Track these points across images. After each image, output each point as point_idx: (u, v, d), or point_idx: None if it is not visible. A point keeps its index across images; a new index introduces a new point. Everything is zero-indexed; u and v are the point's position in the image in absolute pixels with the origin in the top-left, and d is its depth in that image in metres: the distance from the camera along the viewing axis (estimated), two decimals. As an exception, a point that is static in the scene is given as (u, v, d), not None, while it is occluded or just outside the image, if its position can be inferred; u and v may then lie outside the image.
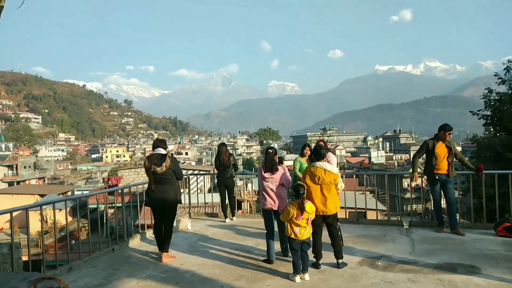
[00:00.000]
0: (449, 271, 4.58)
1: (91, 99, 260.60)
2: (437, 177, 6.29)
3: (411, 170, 6.63)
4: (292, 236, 4.51)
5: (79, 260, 5.35)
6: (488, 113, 11.38)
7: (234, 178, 8.22)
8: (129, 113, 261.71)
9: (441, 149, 6.31)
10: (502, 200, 6.81)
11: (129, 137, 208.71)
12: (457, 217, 6.73)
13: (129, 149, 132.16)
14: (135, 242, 6.47)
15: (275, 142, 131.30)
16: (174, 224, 7.24)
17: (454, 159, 6.41)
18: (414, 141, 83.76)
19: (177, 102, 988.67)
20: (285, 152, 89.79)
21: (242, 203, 22.65)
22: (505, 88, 11.64)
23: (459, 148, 7.59)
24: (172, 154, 5.57)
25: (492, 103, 11.19)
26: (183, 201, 9.31)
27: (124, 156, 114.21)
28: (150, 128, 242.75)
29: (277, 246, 5.26)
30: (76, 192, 40.45)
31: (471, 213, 7.56)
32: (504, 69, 11.67)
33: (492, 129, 11.54)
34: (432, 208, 6.70)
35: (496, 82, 11.82)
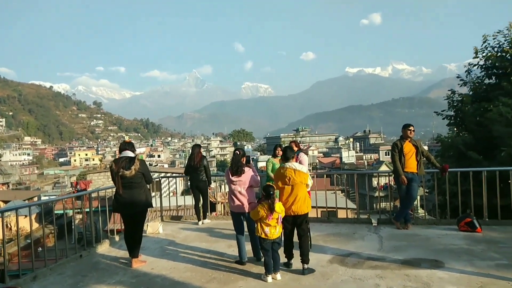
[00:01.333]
0: (415, 266, 4.75)
1: (59, 101, 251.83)
2: (403, 176, 6.51)
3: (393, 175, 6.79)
4: (263, 236, 4.52)
5: (44, 268, 5.16)
6: (452, 113, 11.88)
7: (206, 181, 8.13)
8: (99, 115, 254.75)
9: (408, 148, 6.56)
10: (465, 196, 7.11)
11: (99, 140, 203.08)
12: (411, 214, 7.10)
13: (99, 152, 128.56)
14: (104, 248, 6.31)
15: (249, 143, 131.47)
16: (145, 228, 7.12)
17: (422, 158, 6.67)
18: (383, 141, 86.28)
19: (149, 104, 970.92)
20: (259, 153, 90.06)
21: (216, 205, 22.52)
22: (467, 89, 12.19)
23: (426, 147, 7.93)
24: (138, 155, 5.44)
25: (455, 104, 11.70)
26: (154, 205, 9.17)
27: (93, 159, 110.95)
28: (120, 131, 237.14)
29: (248, 247, 5.27)
30: (42, 198, 38.91)
31: (436, 210, 7.87)
32: (466, 72, 12.23)
33: (455, 129, 12.06)
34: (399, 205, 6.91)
35: (459, 84, 12.36)
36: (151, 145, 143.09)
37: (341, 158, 57.51)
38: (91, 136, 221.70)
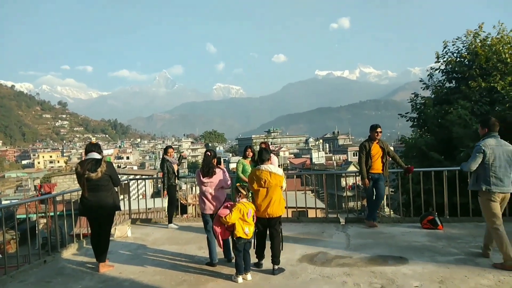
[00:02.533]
0: (381, 263, 4.93)
1: (21, 100, 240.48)
2: (370, 176, 6.73)
3: (360, 177, 6.93)
4: (243, 236, 4.51)
5: (5, 276, 4.94)
6: (415, 115, 12.39)
7: (175, 185, 8.06)
8: (64, 116, 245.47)
9: (375, 150, 6.78)
10: (427, 195, 7.44)
11: (64, 141, 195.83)
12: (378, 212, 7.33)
13: (64, 154, 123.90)
14: (69, 253, 6.11)
15: (221, 144, 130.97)
16: (113, 231, 6.96)
17: (388, 158, 6.91)
18: (351, 142, 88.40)
19: (117, 104, 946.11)
20: (231, 154, 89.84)
21: (187, 207, 22.27)
22: (429, 93, 12.74)
23: (391, 148, 8.28)
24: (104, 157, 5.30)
25: (418, 107, 12.21)
26: (122, 208, 8.96)
27: (58, 161, 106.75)
28: (87, 132, 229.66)
29: (219, 248, 5.27)
30: (4, 202, 37.04)
31: (400, 208, 8.18)
32: (428, 75, 12.79)
33: (418, 131, 12.58)
34: (367, 205, 7.13)
35: (421, 87, 12.91)
36: (120, 147, 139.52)
37: (311, 159, 58.47)
38: (56, 137, 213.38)
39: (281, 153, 68.36)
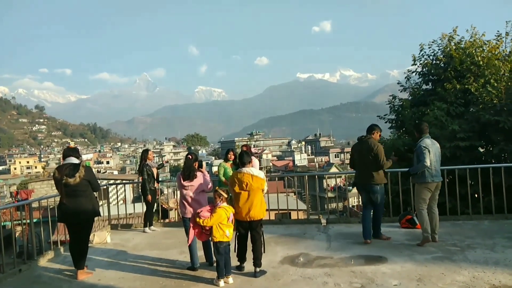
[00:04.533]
0: (361, 263, 5.01)
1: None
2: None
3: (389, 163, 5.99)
4: (224, 239, 4.50)
5: (-23, 286, 4.77)
6: (393, 117, 12.64)
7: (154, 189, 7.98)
8: (41, 120, 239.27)
9: None
10: (405, 195, 7.59)
11: (42, 146, 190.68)
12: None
13: (42, 160, 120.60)
14: (46, 260, 5.95)
15: (203, 148, 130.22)
16: (92, 238, 6.83)
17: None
18: (333, 144, 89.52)
19: (97, 108, 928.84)
20: (213, 157, 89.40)
21: (169, 212, 22.03)
22: (407, 95, 13.02)
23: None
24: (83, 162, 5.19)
25: (396, 108, 12.46)
26: (102, 213, 8.80)
27: (35, 167, 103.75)
28: (65, 136, 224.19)
29: (201, 252, 5.24)
30: (-24, 210, 35.66)
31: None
32: (405, 78, 13.08)
33: (397, 132, 12.83)
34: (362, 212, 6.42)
35: (399, 90, 13.19)
36: (99, 151, 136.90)
37: (293, 161, 58.85)
38: (33, 142, 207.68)
39: (264, 156, 68.50)
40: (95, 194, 5.32)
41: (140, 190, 8.04)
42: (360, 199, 7.02)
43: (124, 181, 25.62)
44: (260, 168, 6.30)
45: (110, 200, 9.80)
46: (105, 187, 8.74)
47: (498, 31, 11.61)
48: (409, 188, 7.33)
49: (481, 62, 11.02)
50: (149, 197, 7.65)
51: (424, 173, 5.69)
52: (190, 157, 5.25)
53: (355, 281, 4.40)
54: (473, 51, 11.24)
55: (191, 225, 4.61)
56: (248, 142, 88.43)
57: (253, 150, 7.64)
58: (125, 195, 19.80)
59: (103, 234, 7.01)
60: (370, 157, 5.85)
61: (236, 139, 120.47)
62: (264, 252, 4.87)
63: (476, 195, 8.24)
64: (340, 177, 26.49)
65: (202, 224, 4.47)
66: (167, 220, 14.41)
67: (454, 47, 11.68)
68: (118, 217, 9.15)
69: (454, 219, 7.05)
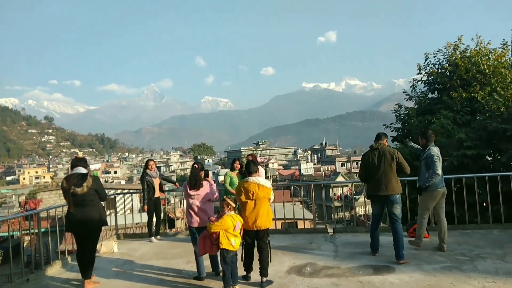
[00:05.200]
0: (368, 273, 4.96)
1: (6, 116, 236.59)
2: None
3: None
4: (230, 248, 4.48)
5: (-14, 296, 4.81)
6: (399, 126, 12.63)
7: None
8: (50, 131, 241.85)
9: None
10: (413, 204, 7.54)
11: (50, 157, 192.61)
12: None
13: (50, 170, 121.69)
14: (54, 270, 5.98)
15: (210, 157, 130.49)
16: (99, 247, 6.86)
17: None
18: (339, 153, 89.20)
19: (105, 118, 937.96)
20: (219, 167, 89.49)
21: (176, 221, 22.02)
22: (412, 103, 13.02)
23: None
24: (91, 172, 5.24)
25: (402, 117, 12.46)
26: (109, 223, 8.83)
27: (44, 177, 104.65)
28: (74, 146, 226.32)
29: (207, 262, 5.23)
30: (-15, 220, 35.93)
31: (387, 218, 8.24)
32: (411, 87, 13.10)
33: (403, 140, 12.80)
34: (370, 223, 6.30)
35: (405, 98, 13.20)
36: (107, 161, 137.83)
37: (300, 170, 58.66)
38: (42, 152, 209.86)
39: (270, 165, 68.47)
40: (103, 203, 5.35)
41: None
42: (366, 209, 6.98)
43: (131, 191, 25.72)
44: (266, 177, 6.31)
45: (117, 209, 9.85)
46: (112, 196, 8.80)
47: (504, 39, 11.64)
48: (416, 197, 7.28)
49: (487, 71, 11.01)
50: (146, 207, 7.68)
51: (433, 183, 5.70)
52: (197, 166, 5.27)
53: (362, 291, 4.36)
54: (479, 60, 11.25)
55: (203, 236, 4.59)
56: (254, 152, 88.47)
57: (259, 159, 7.64)
58: (132, 204, 19.86)
59: (110, 243, 7.04)
60: (391, 165, 5.44)
61: (242, 148, 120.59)
62: (270, 261, 4.85)
63: (484, 204, 8.15)
64: (347, 186, 26.36)
65: (209, 232, 4.47)
66: (173, 230, 14.40)
67: (459, 56, 11.70)
68: (125, 226, 9.18)
69: (462, 228, 6.97)
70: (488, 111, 9.96)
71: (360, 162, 5.96)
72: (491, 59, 11.32)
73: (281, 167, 78.18)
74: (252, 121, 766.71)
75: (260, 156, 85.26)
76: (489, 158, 10.23)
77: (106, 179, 72.17)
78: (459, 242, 6.10)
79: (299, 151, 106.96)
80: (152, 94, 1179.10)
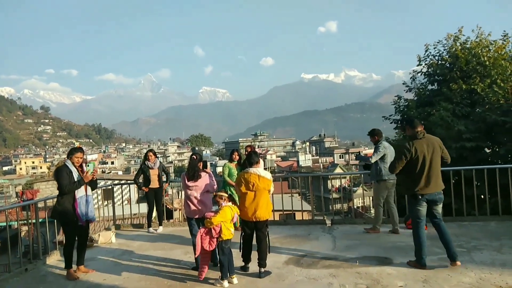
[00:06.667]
0: (366, 264, 4.97)
1: (2, 105, 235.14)
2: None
3: None
4: (230, 237, 4.51)
5: (-17, 285, 4.80)
6: (398, 117, 12.60)
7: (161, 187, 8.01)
8: (47, 121, 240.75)
9: None
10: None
11: (47, 147, 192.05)
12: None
13: (47, 160, 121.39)
14: (52, 260, 5.98)
15: (208, 148, 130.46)
16: (97, 237, 6.87)
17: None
18: (337, 145, 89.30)
19: (102, 108, 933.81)
20: (217, 158, 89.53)
21: (173, 212, 22.05)
22: (412, 95, 12.98)
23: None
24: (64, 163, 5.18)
25: (401, 109, 12.43)
26: (107, 213, 8.83)
27: (41, 167, 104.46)
28: (70, 137, 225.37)
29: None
30: (-18, 210, 35.90)
31: (385, 209, 8.27)
32: (411, 78, 13.04)
33: (402, 132, 12.78)
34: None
35: (405, 90, 13.15)
36: (104, 152, 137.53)
37: (298, 161, 58.79)
38: (39, 142, 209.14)
39: (268, 156, 68.50)
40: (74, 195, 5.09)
41: None
42: (364, 201, 7.01)
43: (128, 181, 25.73)
44: (265, 169, 6.29)
45: (115, 200, 9.84)
46: (110, 187, 8.78)
47: (504, 31, 11.57)
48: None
49: (487, 62, 10.96)
50: (144, 188, 7.76)
51: (382, 171, 6.33)
52: (195, 157, 5.25)
53: (360, 282, 4.37)
54: (479, 51, 11.18)
55: (201, 234, 4.58)
56: (252, 143, 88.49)
57: (257, 150, 7.58)
58: (129, 195, 19.85)
59: (108, 234, 7.03)
60: (439, 157, 4.75)
61: (240, 139, 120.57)
62: (269, 252, 4.86)
63: (482, 196, 8.18)
64: (345, 177, 26.41)
65: (211, 226, 4.47)
66: (171, 221, 14.40)
67: (459, 47, 11.63)
68: (123, 217, 9.18)
69: (460, 220, 7.00)
70: (488, 103, 9.94)
71: (398, 155, 4.89)
72: (492, 51, 11.26)
73: (279, 158, 78.26)
74: (250, 112, 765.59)
75: (258, 147, 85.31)
76: (488, 151, 10.24)
77: (103, 170, 72.09)
78: (457, 234, 6.11)
79: (298, 142, 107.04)
80: (149, 84, 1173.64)
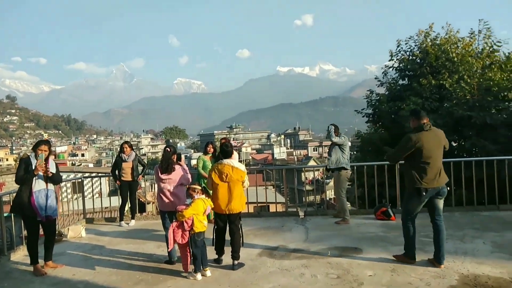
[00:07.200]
0: (337, 254, 5.09)
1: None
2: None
3: None
4: (203, 230, 4.49)
5: None
6: (370, 111, 12.86)
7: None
8: (13, 111, 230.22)
9: None
10: (381, 188, 7.76)
11: (13, 138, 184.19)
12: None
13: (13, 152, 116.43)
14: (18, 255, 5.77)
15: (182, 140, 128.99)
16: (66, 232, 6.70)
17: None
18: (311, 138, 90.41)
19: (72, 99, 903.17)
20: (192, 150, 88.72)
21: (146, 205, 21.73)
22: (384, 89, 13.26)
23: (349, 144, 8.61)
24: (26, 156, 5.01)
25: (373, 103, 12.68)
26: (76, 207, 8.60)
27: (7, 159, 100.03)
28: (38, 128, 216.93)
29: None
30: None
31: (356, 201, 8.49)
32: (383, 73, 13.31)
33: (374, 126, 13.08)
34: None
35: (377, 85, 13.42)
36: (74, 143, 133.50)
37: (273, 154, 59.17)
38: (4, 133, 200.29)
39: (244, 149, 68.54)
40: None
41: None
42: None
43: (100, 174, 25.10)
44: (240, 161, 6.29)
45: (86, 193, 9.59)
46: (80, 180, 8.55)
47: (471, 28, 11.97)
48: (384, 181, 7.52)
49: (455, 59, 11.32)
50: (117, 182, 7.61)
51: (341, 161, 6.78)
52: (169, 149, 5.18)
53: (331, 272, 4.47)
54: (448, 48, 11.54)
55: (173, 228, 4.53)
56: (228, 135, 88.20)
57: (232, 143, 7.55)
58: (100, 188, 19.39)
59: (77, 228, 6.85)
60: (442, 149, 4.65)
61: (215, 132, 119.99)
62: (242, 245, 4.88)
63: (448, 188, 8.50)
64: (318, 170, 26.82)
65: (182, 219, 4.44)
66: (144, 214, 14.20)
67: (430, 43, 11.96)
68: (93, 210, 8.96)
69: (426, 211, 7.22)
70: (455, 98, 10.30)
71: (401, 145, 4.63)
72: (460, 47, 11.65)
73: (255, 151, 78.45)
74: (226, 105, 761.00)
75: (233, 140, 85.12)
76: (454, 144, 10.64)
77: (73, 162, 69.94)
78: (423, 225, 6.29)
79: (273, 135, 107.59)
80: (121, 74, 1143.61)
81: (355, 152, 13.92)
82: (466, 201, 7.39)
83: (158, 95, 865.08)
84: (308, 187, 28.14)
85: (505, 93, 10.19)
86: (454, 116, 9.94)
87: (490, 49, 11.70)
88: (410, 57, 12.38)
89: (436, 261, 4.53)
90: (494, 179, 7.23)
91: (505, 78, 10.52)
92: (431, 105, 10.66)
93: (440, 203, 4.70)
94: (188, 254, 4.63)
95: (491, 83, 10.25)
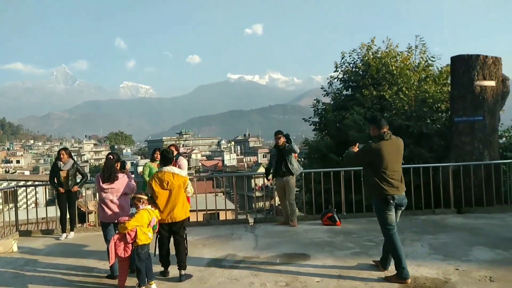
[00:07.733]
0: (286, 261, 5.13)
1: None
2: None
3: None
4: (147, 242, 4.29)
5: None
6: (317, 120, 13.27)
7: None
8: None
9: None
10: (327, 194, 7.99)
11: None
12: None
13: None
14: None
15: (128, 147, 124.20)
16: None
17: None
18: (261, 145, 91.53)
19: (6, 101, 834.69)
20: (139, 157, 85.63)
21: (88, 215, 20.57)
22: (329, 99, 13.77)
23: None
24: None
25: (319, 112, 13.11)
26: (7, 218, 7.90)
27: None
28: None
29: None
30: None
31: (304, 207, 8.67)
32: (328, 83, 13.84)
33: (320, 134, 13.51)
34: None
35: (322, 94, 13.90)
36: (8, 149, 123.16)
37: (223, 161, 58.89)
38: None
39: (193, 155, 67.49)
40: None
41: None
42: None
43: (36, 183, 23.36)
44: (189, 168, 6.16)
45: (20, 203, 8.79)
46: (12, 189, 7.88)
47: (409, 43, 12.85)
48: (330, 187, 7.76)
49: (394, 71, 12.05)
50: (60, 189, 7.05)
51: (298, 167, 7.30)
52: (112, 157, 4.93)
53: (280, 279, 4.49)
54: (388, 61, 12.25)
55: (114, 241, 4.27)
56: (177, 142, 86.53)
57: (182, 149, 7.39)
58: (36, 197, 18.02)
59: (8, 242, 6.27)
60: (401, 158, 4.63)
61: (164, 138, 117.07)
62: (187, 254, 4.74)
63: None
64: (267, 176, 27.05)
65: (125, 231, 4.21)
66: (85, 225, 13.40)
67: (371, 56, 12.63)
68: (28, 222, 8.27)
69: (369, 216, 7.57)
70: (395, 108, 10.94)
71: (361, 152, 4.62)
72: (399, 61, 12.43)
73: (205, 158, 77.56)
74: (175, 110, 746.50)
75: (183, 146, 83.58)
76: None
77: (7, 169, 64.47)
78: (367, 229, 6.62)
79: (223, 142, 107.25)
80: (62, 76, 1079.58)
81: (302, 159, 14.25)
82: (405, 206, 7.82)
83: (103, 99, 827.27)
84: (257, 193, 28.36)
85: (439, 105, 11.04)
86: (393, 126, 10.53)
87: (426, 63, 12.63)
88: (354, 69, 12.98)
89: (382, 265, 4.67)
90: (430, 184, 7.76)
91: (438, 91, 11.39)
92: (373, 114, 11.23)
93: (399, 214, 4.64)
94: (127, 268, 4.40)
95: (427, 95, 11.05)
